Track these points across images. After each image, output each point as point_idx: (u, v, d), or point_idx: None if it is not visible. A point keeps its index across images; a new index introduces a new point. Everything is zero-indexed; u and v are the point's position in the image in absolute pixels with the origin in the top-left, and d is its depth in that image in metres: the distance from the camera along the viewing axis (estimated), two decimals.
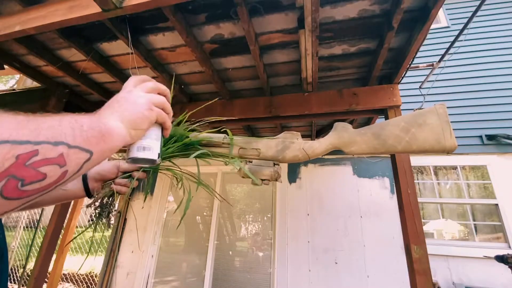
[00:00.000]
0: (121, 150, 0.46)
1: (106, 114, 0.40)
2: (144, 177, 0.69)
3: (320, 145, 0.76)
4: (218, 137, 0.85)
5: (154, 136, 0.49)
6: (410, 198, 1.70)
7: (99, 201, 0.65)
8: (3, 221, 0.46)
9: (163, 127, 0.51)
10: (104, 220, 0.71)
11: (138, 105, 0.44)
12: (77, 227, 3.73)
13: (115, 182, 0.65)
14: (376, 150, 0.71)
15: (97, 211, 0.69)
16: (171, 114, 0.51)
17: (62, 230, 2.84)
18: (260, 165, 0.78)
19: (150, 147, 0.48)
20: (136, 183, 0.67)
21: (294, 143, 0.78)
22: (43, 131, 0.30)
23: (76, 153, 0.33)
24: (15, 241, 5.20)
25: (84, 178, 0.66)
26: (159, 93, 0.49)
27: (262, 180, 0.76)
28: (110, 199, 0.65)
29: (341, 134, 0.76)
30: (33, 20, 1.41)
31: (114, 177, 0.66)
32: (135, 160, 0.48)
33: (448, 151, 0.65)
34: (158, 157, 0.49)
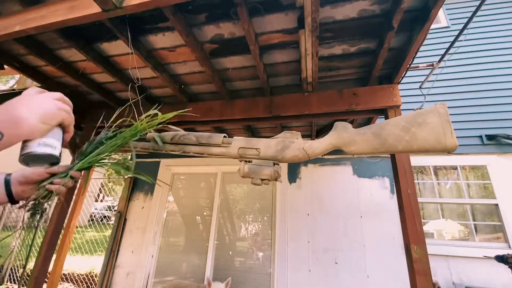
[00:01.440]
0: None
1: (17, 105, 0.44)
2: (79, 176, 0.71)
3: (320, 144, 0.76)
4: (218, 136, 0.85)
5: (57, 136, 0.52)
6: (410, 198, 1.70)
7: (30, 202, 0.65)
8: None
9: (65, 131, 0.55)
10: (37, 222, 0.70)
11: (48, 104, 0.49)
12: (77, 227, 3.73)
13: (54, 182, 0.65)
14: (376, 150, 0.71)
15: (29, 212, 0.68)
16: (73, 122, 0.57)
17: (62, 230, 2.84)
18: (260, 165, 0.78)
19: (53, 144, 0.50)
20: (72, 182, 0.68)
21: (294, 143, 0.78)
22: None
23: None
24: (15, 241, 5.20)
25: (7, 184, 0.63)
26: (64, 103, 0.54)
27: (262, 179, 0.76)
28: (45, 199, 0.65)
29: (341, 133, 0.75)
30: (33, 20, 1.41)
31: (40, 179, 0.65)
32: (32, 157, 0.49)
33: (449, 151, 0.65)
34: (59, 156, 0.53)
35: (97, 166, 0.77)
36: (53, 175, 0.66)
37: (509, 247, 3.06)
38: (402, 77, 1.98)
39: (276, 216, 3.58)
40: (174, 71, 2.19)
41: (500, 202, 3.25)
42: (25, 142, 0.49)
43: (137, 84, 2.08)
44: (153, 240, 3.89)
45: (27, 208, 0.65)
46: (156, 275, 3.76)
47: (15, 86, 3.40)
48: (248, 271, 3.49)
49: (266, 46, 1.81)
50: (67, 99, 0.55)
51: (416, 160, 3.58)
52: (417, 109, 0.75)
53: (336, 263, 3.18)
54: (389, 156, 2.13)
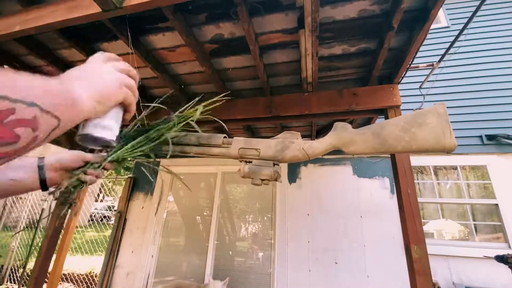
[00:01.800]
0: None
1: (74, 82, 0.37)
2: (111, 169, 0.68)
3: (319, 145, 0.76)
4: (218, 136, 0.85)
5: (115, 116, 0.45)
6: (410, 198, 1.70)
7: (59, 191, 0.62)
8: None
9: (126, 110, 0.48)
10: (65, 210, 0.67)
11: (108, 80, 0.42)
12: (77, 227, 3.73)
13: (88, 172, 0.62)
14: (376, 150, 0.71)
15: (59, 200, 0.64)
16: (137, 98, 0.50)
17: (62, 230, 2.84)
18: (260, 165, 0.78)
19: (111, 127, 0.44)
20: (105, 174, 0.66)
21: (293, 143, 0.78)
22: (18, 89, 0.28)
23: (47, 118, 0.30)
24: (15, 241, 5.20)
25: (40, 168, 0.60)
26: (129, 75, 0.47)
27: (262, 180, 0.76)
28: (76, 188, 0.62)
29: (341, 134, 0.76)
30: (33, 20, 1.41)
31: (77, 167, 0.63)
32: (89, 138, 0.43)
33: (448, 151, 0.65)
34: (116, 140, 0.46)
35: (130, 159, 0.72)
36: (86, 163, 0.64)
37: (509, 247, 3.06)
38: (402, 77, 1.98)
39: (276, 216, 3.58)
40: (174, 71, 2.19)
41: (500, 202, 3.25)
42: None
43: (137, 85, 2.08)
44: (153, 240, 3.89)
45: (56, 196, 0.61)
46: (156, 275, 3.76)
47: None
48: (248, 271, 3.49)
49: (266, 46, 1.81)
50: (133, 71, 0.48)
51: (416, 160, 3.58)
52: (416, 109, 0.75)
53: (336, 263, 3.18)
54: (389, 156, 2.13)
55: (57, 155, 0.63)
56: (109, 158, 0.65)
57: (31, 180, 0.59)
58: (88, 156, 0.64)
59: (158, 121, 0.78)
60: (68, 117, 0.34)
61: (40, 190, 0.61)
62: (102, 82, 0.41)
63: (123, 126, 0.48)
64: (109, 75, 0.43)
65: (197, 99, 0.85)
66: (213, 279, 2.81)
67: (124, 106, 0.48)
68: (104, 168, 0.65)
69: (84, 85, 0.37)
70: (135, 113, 0.64)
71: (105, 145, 0.47)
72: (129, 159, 0.71)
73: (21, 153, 0.29)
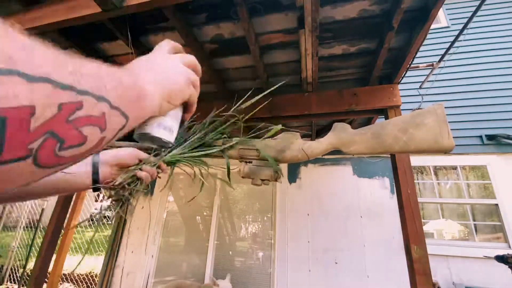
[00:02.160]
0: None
1: (144, 75, 0.32)
2: (165, 170, 0.66)
3: (319, 145, 0.76)
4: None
5: (176, 116, 0.42)
6: (410, 198, 1.70)
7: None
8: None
9: (186, 109, 0.44)
10: (118, 208, 0.62)
11: (177, 76, 0.37)
12: (77, 227, 3.73)
13: (144, 169, 0.60)
14: (375, 150, 0.71)
15: (113, 198, 0.61)
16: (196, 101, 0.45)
17: (62, 230, 2.85)
18: (260, 166, 0.78)
19: (172, 128, 0.41)
20: (158, 175, 0.64)
21: (293, 143, 0.78)
22: (84, 78, 0.22)
23: (116, 116, 0.26)
24: (15, 241, 5.20)
25: (95, 162, 0.58)
26: (195, 71, 0.42)
27: (262, 180, 0.77)
28: (130, 186, 0.59)
29: (340, 134, 0.76)
30: (33, 20, 1.41)
31: (131, 165, 0.61)
32: (148, 138, 0.41)
33: (446, 151, 0.66)
34: (174, 141, 0.43)
35: (185, 163, 0.69)
36: (141, 162, 0.62)
37: (509, 247, 3.06)
38: (402, 77, 1.98)
39: (276, 216, 3.58)
40: None
41: (500, 202, 3.25)
42: None
43: None
44: (153, 240, 3.89)
45: (110, 194, 0.59)
46: (156, 275, 3.76)
47: None
48: (248, 271, 3.49)
49: (266, 46, 1.81)
50: (199, 66, 0.43)
51: (416, 160, 3.58)
52: (415, 109, 0.75)
53: (336, 263, 3.18)
54: (389, 156, 2.13)
55: (113, 151, 0.61)
56: (164, 158, 0.64)
57: (84, 175, 0.56)
58: (144, 154, 0.63)
59: (214, 122, 0.74)
60: (135, 115, 0.29)
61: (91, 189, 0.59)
62: (172, 77, 0.37)
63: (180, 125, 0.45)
64: (177, 70, 0.38)
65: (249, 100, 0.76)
66: (216, 279, 2.81)
67: (186, 105, 0.43)
68: (158, 167, 0.63)
69: (154, 80, 0.33)
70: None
71: (162, 145, 0.44)
72: (184, 162, 0.68)
73: (85, 156, 0.25)
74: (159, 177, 0.69)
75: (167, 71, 0.36)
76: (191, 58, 0.41)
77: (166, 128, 0.40)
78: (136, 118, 0.30)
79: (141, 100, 0.30)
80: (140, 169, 0.60)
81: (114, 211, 0.59)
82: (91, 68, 0.24)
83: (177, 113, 0.42)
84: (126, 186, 0.58)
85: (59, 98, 0.19)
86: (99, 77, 0.24)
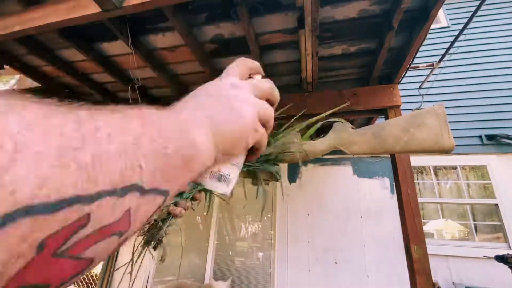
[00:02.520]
0: None
1: (197, 122, 0.23)
2: (200, 199, 0.60)
3: (319, 145, 0.76)
4: None
5: (238, 161, 0.33)
6: (410, 198, 1.70)
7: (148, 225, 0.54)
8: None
9: (251, 152, 0.33)
10: (151, 248, 0.57)
11: (244, 118, 0.27)
12: None
13: (179, 203, 0.55)
14: (375, 150, 0.71)
15: (144, 237, 0.56)
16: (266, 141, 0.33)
17: None
18: (259, 166, 0.78)
19: (229, 177, 0.32)
20: (192, 207, 0.58)
21: (293, 143, 0.78)
22: (100, 161, 0.14)
23: (149, 202, 0.18)
24: None
25: None
26: (268, 101, 0.32)
27: (262, 180, 0.77)
28: (164, 222, 0.53)
29: (340, 134, 0.76)
30: (33, 20, 1.41)
31: None
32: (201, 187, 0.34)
33: (447, 151, 0.66)
34: (231, 192, 0.34)
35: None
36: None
37: (509, 247, 3.06)
38: (402, 77, 1.98)
39: (276, 216, 3.58)
40: (174, 71, 2.19)
41: (500, 202, 3.25)
42: None
43: (137, 85, 2.09)
44: None
45: (142, 232, 0.53)
46: (156, 275, 3.76)
47: (15, 86, 3.40)
48: (248, 271, 3.49)
49: (266, 46, 1.81)
50: (276, 92, 0.33)
51: (416, 160, 3.57)
52: (415, 109, 0.75)
53: (336, 263, 3.18)
54: (389, 156, 2.13)
55: None
56: (199, 187, 0.57)
57: None
58: None
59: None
60: (180, 184, 0.21)
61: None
62: (236, 123, 0.26)
63: None
64: (247, 108, 0.28)
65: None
66: (215, 279, 2.81)
67: (253, 148, 0.32)
68: (193, 199, 0.57)
69: (210, 129, 0.24)
70: None
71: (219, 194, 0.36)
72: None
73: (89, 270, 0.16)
74: (193, 209, 0.61)
75: (230, 114, 0.26)
76: (266, 86, 0.31)
77: (222, 180, 0.31)
78: (180, 187, 0.22)
79: (190, 162, 0.21)
80: (175, 204, 0.54)
81: (145, 250, 0.54)
82: (114, 132, 0.15)
83: (241, 158, 0.33)
84: (161, 223, 0.52)
85: (42, 232, 0.12)
86: (133, 147, 0.16)
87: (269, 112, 0.30)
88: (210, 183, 0.31)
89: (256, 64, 0.33)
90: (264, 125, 0.30)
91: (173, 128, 0.21)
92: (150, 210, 0.18)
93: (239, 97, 0.28)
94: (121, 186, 0.15)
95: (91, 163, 0.13)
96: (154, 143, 0.18)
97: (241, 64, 0.32)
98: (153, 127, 0.18)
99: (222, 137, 0.25)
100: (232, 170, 0.32)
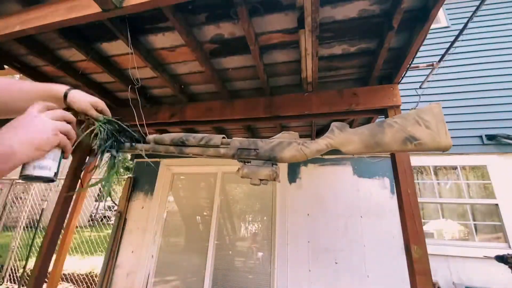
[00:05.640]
0: None
1: (12, 136, 0.43)
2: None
3: (317, 145, 0.76)
4: (217, 137, 0.85)
5: (52, 156, 0.53)
6: (410, 198, 1.70)
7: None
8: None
9: (63, 150, 0.56)
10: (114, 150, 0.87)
11: (45, 130, 0.49)
12: (77, 227, 3.73)
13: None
14: (373, 149, 0.71)
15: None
16: (74, 138, 0.57)
17: (62, 230, 2.85)
18: (258, 165, 0.78)
19: (49, 166, 0.52)
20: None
21: (292, 143, 0.78)
22: None
23: None
24: (15, 241, 5.20)
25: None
26: (65, 120, 0.54)
27: (261, 180, 0.76)
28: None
29: (338, 133, 0.76)
30: (33, 20, 1.41)
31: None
32: (29, 177, 0.51)
33: (444, 150, 0.66)
34: (55, 176, 0.54)
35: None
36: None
37: (509, 247, 3.06)
38: (402, 77, 1.98)
39: (276, 216, 3.58)
40: (174, 71, 2.19)
41: (500, 202, 3.25)
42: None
43: (137, 85, 2.09)
44: (153, 240, 3.89)
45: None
46: (156, 275, 3.76)
47: None
48: (248, 271, 3.49)
49: (266, 46, 1.81)
50: (68, 115, 0.55)
51: (416, 160, 3.58)
52: (412, 109, 0.75)
53: (336, 263, 3.18)
54: (389, 156, 2.13)
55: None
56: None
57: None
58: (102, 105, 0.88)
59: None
60: (4, 167, 0.41)
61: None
62: (38, 134, 0.47)
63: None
64: (44, 126, 0.49)
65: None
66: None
67: (61, 147, 0.55)
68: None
69: (22, 138, 0.45)
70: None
71: (46, 180, 0.55)
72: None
73: None
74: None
75: (35, 128, 0.47)
76: (58, 113, 0.53)
77: (42, 168, 0.50)
78: (5, 169, 0.41)
79: (9, 156, 0.42)
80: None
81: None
82: None
83: (55, 154, 0.53)
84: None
85: None
86: None
87: (65, 126, 0.53)
88: (34, 171, 0.50)
89: (50, 104, 0.54)
90: (67, 135, 0.53)
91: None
92: None
93: (39, 121, 0.49)
94: None
95: None
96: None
97: (37, 106, 0.52)
98: None
99: (33, 144, 0.46)
100: (51, 162, 0.52)
